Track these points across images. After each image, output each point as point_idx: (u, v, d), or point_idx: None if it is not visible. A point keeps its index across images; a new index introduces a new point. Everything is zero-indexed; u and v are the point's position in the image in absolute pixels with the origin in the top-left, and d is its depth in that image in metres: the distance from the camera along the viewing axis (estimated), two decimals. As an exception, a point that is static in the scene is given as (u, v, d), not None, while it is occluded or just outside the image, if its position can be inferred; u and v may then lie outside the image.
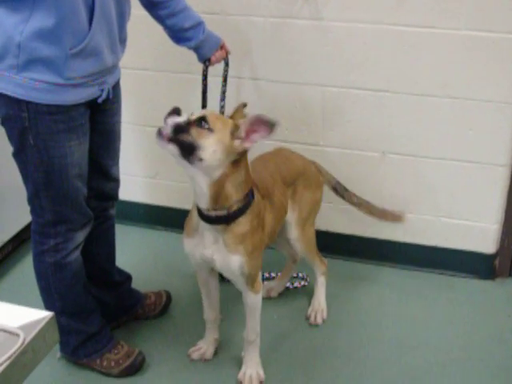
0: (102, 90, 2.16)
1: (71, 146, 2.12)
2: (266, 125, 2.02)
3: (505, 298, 3.01)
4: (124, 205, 2.93)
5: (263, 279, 2.98)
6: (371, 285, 3.08)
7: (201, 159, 1.98)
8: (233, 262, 2.22)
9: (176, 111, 2.01)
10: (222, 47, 2.58)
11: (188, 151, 1.98)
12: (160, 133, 2.00)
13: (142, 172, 3.39)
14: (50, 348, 1.09)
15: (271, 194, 2.40)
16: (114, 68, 2.22)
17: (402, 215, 2.90)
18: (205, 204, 2.12)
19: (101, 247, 2.60)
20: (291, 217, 2.59)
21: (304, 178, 2.61)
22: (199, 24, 2.43)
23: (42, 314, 1.10)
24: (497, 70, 2.66)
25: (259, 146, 2.16)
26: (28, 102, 1.99)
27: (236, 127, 2.05)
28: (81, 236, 2.33)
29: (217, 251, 2.22)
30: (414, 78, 2.78)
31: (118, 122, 2.42)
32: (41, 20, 1.88)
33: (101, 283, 2.65)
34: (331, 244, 3.19)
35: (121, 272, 2.76)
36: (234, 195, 2.12)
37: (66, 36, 1.93)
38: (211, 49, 2.52)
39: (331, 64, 2.85)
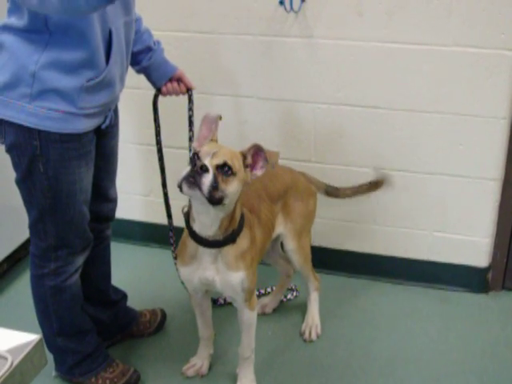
0: (106, 117, 2.20)
1: (81, 173, 2.13)
2: (263, 155, 2.06)
3: (498, 311, 3.01)
4: (119, 223, 2.94)
5: (258, 295, 2.99)
6: (365, 300, 3.09)
7: (225, 204, 2.02)
8: (234, 278, 2.23)
9: (204, 169, 1.94)
10: (180, 80, 2.46)
11: (218, 203, 1.99)
12: (191, 182, 1.94)
13: (136, 190, 3.41)
14: (37, 371, 1.10)
15: (258, 210, 2.42)
16: (119, 95, 2.25)
17: (387, 178, 2.82)
18: (212, 232, 2.13)
19: (97, 267, 2.61)
20: (285, 229, 2.61)
21: (294, 190, 2.62)
22: (148, 49, 2.36)
23: (30, 338, 1.11)
24: (485, 85, 2.69)
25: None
26: (40, 131, 1.99)
27: (244, 157, 2.08)
28: (80, 259, 2.34)
29: (217, 271, 2.23)
30: (404, 94, 2.81)
31: (117, 144, 2.44)
32: (58, 51, 1.91)
33: (97, 302, 2.65)
34: (325, 259, 3.20)
35: (116, 291, 2.77)
36: (237, 218, 2.17)
37: (85, 69, 1.96)
38: (160, 79, 2.42)
39: (322, 81, 2.87)
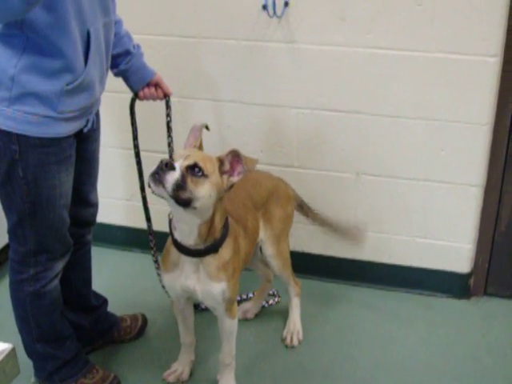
0: (87, 121, 2.18)
1: (61, 177, 2.12)
2: (241, 162, 2.04)
3: (480, 316, 3.02)
4: (100, 227, 2.92)
5: (239, 301, 2.98)
6: (347, 305, 3.09)
7: (196, 207, 1.99)
8: (215, 289, 2.22)
9: (169, 166, 1.94)
10: (157, 85, 2.45)
11: (186, 204, 1.97)
12: (156, 179, 1.94)
13: (117, 194, 3.39)
14: (10, 380, 1.08)
15: (244, 220, 2.41)
16: (99, 98, 2.23)
17: (361, 236, 2.93)
18: (193, 241, 2.12)
19: (77, 273, 2.59)
20: (265, 235, 2.60)
21: (274, 196, 2.62)
22: (126, 53, 2.33)
23: (2, 347, 1.10)
24: (468, 91, 2.69)
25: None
26: (19, 135, 1.97)
27: (221, 163, 2.06)
28: (60, 265, 2.32)
29: (198, 281, 2.22)
30: (387, 100, 2.80)
31: (98, 148, 2.42)
32: (36, 55, 1.89)
33: (77, 308, 2.63)
34: (307, 265, 3.19)
35: (97, 296, 2.75)
36: (218, 227, 2.15)
37: (64, 72, 1.94)
38: (137, 83, 2.40)
39: (304, 86, 2.87)
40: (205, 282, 2.21)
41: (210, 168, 2.01)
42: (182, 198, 1.95)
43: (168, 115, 2.53)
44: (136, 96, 2.45)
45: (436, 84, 2.72)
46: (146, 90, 2.43)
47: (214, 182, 2.01)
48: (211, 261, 2.18)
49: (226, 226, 2.20)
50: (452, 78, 2.69)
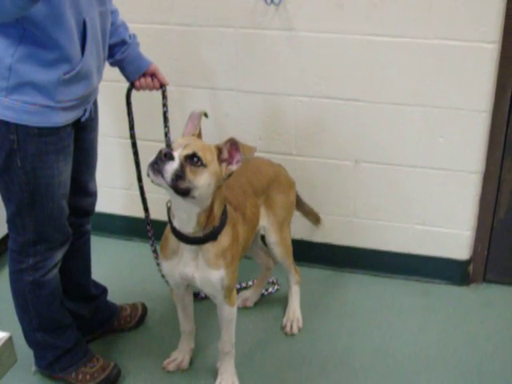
0: (85, 110, 2.18)
1: (59, 167, 2.12)
2: (239, 150, 2.04)
3: (479, 303, 3.03)
4: (99, 216, 2.93)
5: (238, 289, 2.99)
6: (346, 293, 3.10)
7: (194, 197, 1.99)
8: (214, 276, 2.22)
9: (168, 156, 1.94)
10: (153, 75, 2.44)
11: (185, 193, 1.97)
12: (155, 169, 1.94)
13: (116, 183, 3.39)
14: (6, 369, 1.08)
15: (243, 207, 2.41)
16: (97, 87, 2.23)
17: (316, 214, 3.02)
18: (192, 229, 2.12)
19: (77, 262, 2.59)
20: (267, 222, 2.61)
21: (276, 183, 2.63)
22: (122, 43, 2.32)
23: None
24: (467, 78, 2.69)
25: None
26: (17, 125, 1.98)
27: (219, 151, 2.06)
28: (59, 254, 2.32)
29: (197, 268, 2.22)
30: (386, 87, 2.80)
31: (96, 137, 2.42)
32: (33, 45, 1.89)
33: (77, 297, 2.64)
34: (306, 252, 3.20)
35: (97, 285, 2.75)
36: (218, 215, 2.15)
37: (61, 62, 1.95)
38: (133, 73, 2.40)
39: (303, 74, 2.86)
40: (203, 269, 2.22)
41: (209, 157, 2.01)
42: (180, 188, 1.95)
43: (164, 105, 2.51)
44: (132, 86, 2.45)
45: (434, 71, 2.72)
46: (142, 79, 2.42)
47: (213, 171, 2.01)
48: (210, 248, 2.18)
49: (224, 214, 2.20)
50: (450, 64, 2.69)
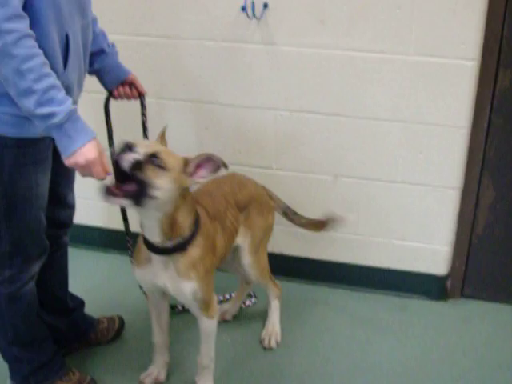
0: None
1: (37, 179, 2.09)
2: (214, 163, 2.04)
3: (457, 318, 3.04)
4: (77, 228, 2.89)
5: (220, 301, 2.97)
6: (325, 307, 3.09)
7: (154, 197, 1.96)
8: (185, 288, 2.20)
9: (129, 146, 1.94)
10: (132, 85, 2.43)
11: (142, 191, 1.94)
12: (108, 190, 1.95)
13: (94, 195, 3.34)
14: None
15: (223, 216, 2.40)
16: (77, 101, 2.21)
17: (343, 217, 2.86)
18: (156, 237, 2.11)
19: (54, 275, 2.55)
20: (244, 243, 2.59)
21: (256, 203, 2.61)
22: (101, 52, 2.31)
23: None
24: (446, 94, 2.71)
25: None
26: None
27: (186, 163, 2.04)
28: (36, 267, 2.29)
29: (169, 278, 2.21)
30: (365, 102, 2.81)
31: None
32: None
33: (53, 310, 2.60)
34: (285, 267, 3.20)
35: (73, 298, 2.72)
36: (184, 225, 2.13)
37: None
38: (111, 82, 2.40)
39: (283, 88, 2.87)
40: (175, 279, 2.20)
41: (172, 162, 2.00)
42: (138, 178, 1.92)
43: (143, 114, 2.51)
44: (110, 95, 2.44)
45: (414, 87, 2.73)
46: (121, 89, 2.42)
47: (174, 177, 1.99)
48: (180, 259, 2.16)
49: (196, 224, 2.18)
50: (430, 81, 2.71)
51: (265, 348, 2.80)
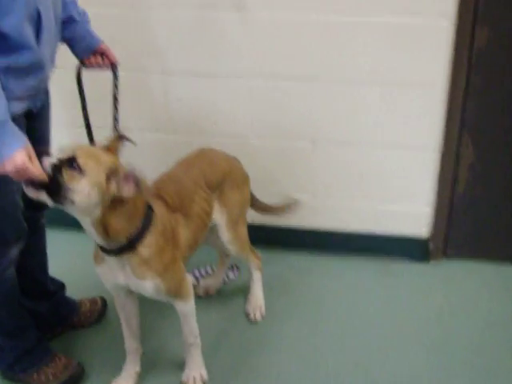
0: (37, 99, 2.10)
1: None
2: (135, 182, 1.91)
3: (440, 279, 3.05)
4: (53, 210, 2.82)
5: (198, 278, 2.94)
6: (309, 276, 3.07)
7: (72, 202, 1.87)
8: (145, 287, 2.13)
9: (46, 153, 1.87)
10: (104, 54, 2.36)
11: (58, 195, 1.86)
12: (30, 182, 1.86)
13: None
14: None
15: (187, 205, 2.31)
16: (50, 76, 2.13)
17: (293, 202, 2.86)
18: (98, 240, 2.02)
19: (33, 258, 2.49)
20: (221, 220, 2.52)
21: (231, 178, 2.53)
22: (71, 20, 2.22)
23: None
24: (422, 55, 2.68)
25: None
26: None
27: (114, 171, 1.91)
28: (15, 251, 2.22)
29: (127, 277, 2.13)
30: (342, 66, 2.77)
31: (49, 127, 2.32)
32: None
33: (34, 294, 2.54)
34: (266, 237, 3.16)
35: (54, 281, 2.66)
36: (124, 228, 2.01)
37: (13, 52, 1.84)
38: (82, 51, 2.32)
39: (258, 55, 2.81)
40: (132, 278, 2.12)
41: (91, 166, 1.88)
42: (52, 181, 1.85)
43: (115, 86, 2.41)
44: (82, 64, 2.36)
45: (390, 48, 2.69)
46: (93, 58, 2.35)
47: (94, 182, 1.88)
48: (132, 259, 2.07)
49: (146, 222, 2.07)
50: (407, 42, 2.67)
51: (251, 321, 2.77)
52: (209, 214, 2.44)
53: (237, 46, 2.80)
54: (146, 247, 2.07)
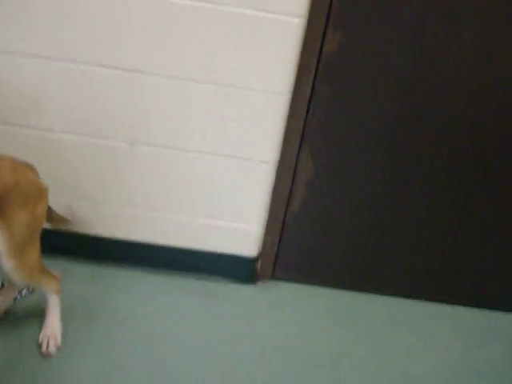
0: None
1: None
2: None
3: (266, 301, 2.80)
4: None
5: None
6: (117, 296, 2.67)
7: None
8: None
9: None
10: None
11: None
12: None
13: None
14: None
15: None
16: None
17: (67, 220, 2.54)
18: None
19: None
20: (2, 246, 2.03)
21: (16, 194, 2.02)
22: None
23: None
24: (267, 55, 2.34)
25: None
26: None
27: None
28: None
29: None
30: (172, 58, 2.37)
31: None
32: None
33: None
34: (67, 245, 2.75)
35: None
36: None
37: None
38: None
39: (69, 35, 2.34)
40: None
41: None
42: None
43: None
44: None
45: (231, 44, 2.33)
46: None
47: None
48: None
49: None
50: (250, 38, 2.32)
51: (43, 354, 2.33)
52: None
53: (41, 22, 2.30)
54: None
